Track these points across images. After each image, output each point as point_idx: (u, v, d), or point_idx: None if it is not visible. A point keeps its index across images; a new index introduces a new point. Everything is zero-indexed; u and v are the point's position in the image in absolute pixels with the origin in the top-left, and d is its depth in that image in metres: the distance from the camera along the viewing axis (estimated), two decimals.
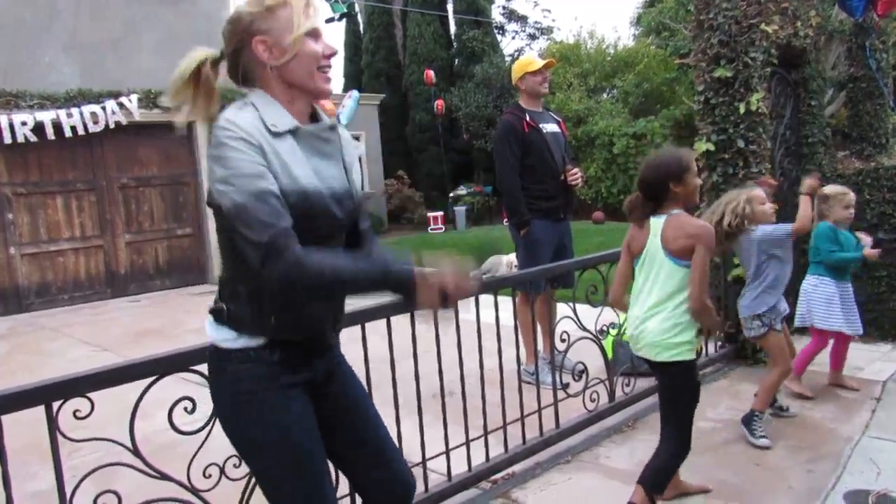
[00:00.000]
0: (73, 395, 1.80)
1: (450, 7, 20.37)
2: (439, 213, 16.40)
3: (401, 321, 2.53)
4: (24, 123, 8.46)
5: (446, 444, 2.74)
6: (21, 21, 8.89)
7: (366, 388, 2.02)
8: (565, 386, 3.36)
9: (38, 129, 8.57)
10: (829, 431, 3.34)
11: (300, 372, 1.59)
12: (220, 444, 1.76)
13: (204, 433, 2.00)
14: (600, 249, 10.07)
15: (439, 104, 16.47)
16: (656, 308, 2.47)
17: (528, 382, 3.43)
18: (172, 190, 10.23)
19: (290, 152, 1.50)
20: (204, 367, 1.71)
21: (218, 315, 1.57)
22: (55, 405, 1.78)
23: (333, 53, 1.59)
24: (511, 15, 23.41)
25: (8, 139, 8.41)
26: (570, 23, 47.58)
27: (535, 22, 23.98)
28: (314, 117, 1.64)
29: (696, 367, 2.57)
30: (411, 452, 2.49)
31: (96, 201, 9.53)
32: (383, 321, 2.50)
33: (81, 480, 1.85)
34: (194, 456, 1.99)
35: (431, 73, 16.47)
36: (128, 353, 6.03)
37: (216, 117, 1.50)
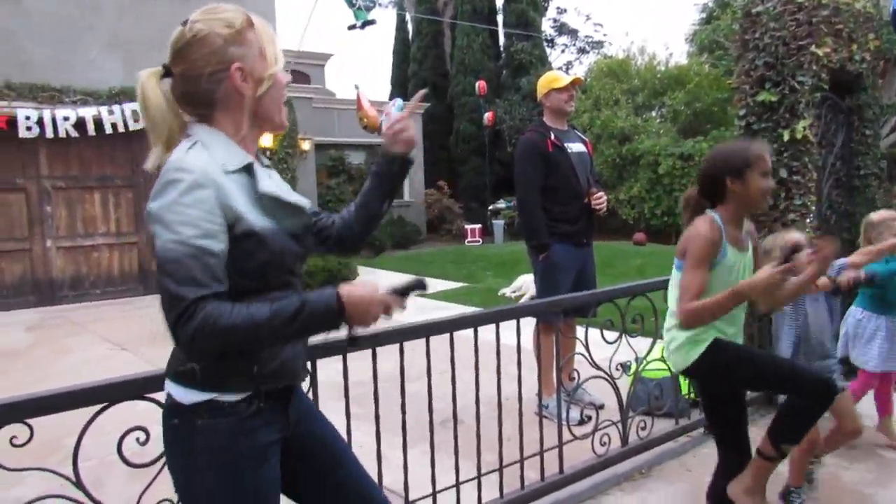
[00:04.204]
0: (10, 421, 1.66)
1: (499, 19, 20.25)
2: (477, 226, 16.22)
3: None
4: (66, 118, 8.58)
5: (433, 485, 2.54)
6: (66, 17, 9.03)
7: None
8: (583, 421, 3.11)
9: (80, 124, 8.69)
10: (865, 499, 3.02)
11: (276, 427, 1.45)
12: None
13: (157, 466, 1.85)
14: (638, 273, 9.72)
15: (490, 116, 16.29)
16: (671, 317, 2.30)
17: (546, 417, 3.22)
18: None
19: (241, 190, 1.37)
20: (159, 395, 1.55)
21: (187, 377, 1.35)
22: None
23: (289, 82, 1.54)
24: (562, 28, 23.23)
25: (50, 133, 8.53)
26: (620, 38, 47.00)
27: (586, 36, 23.74)
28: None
29: (718, 350, 2.21)
30: (393, 482, 2.34)
31: (133, 198, 9.62)
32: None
33: None
34: (145, 490, 1.84)
35: (484, 83, 16.30)
36: (145, 353, 6.00)
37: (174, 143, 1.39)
